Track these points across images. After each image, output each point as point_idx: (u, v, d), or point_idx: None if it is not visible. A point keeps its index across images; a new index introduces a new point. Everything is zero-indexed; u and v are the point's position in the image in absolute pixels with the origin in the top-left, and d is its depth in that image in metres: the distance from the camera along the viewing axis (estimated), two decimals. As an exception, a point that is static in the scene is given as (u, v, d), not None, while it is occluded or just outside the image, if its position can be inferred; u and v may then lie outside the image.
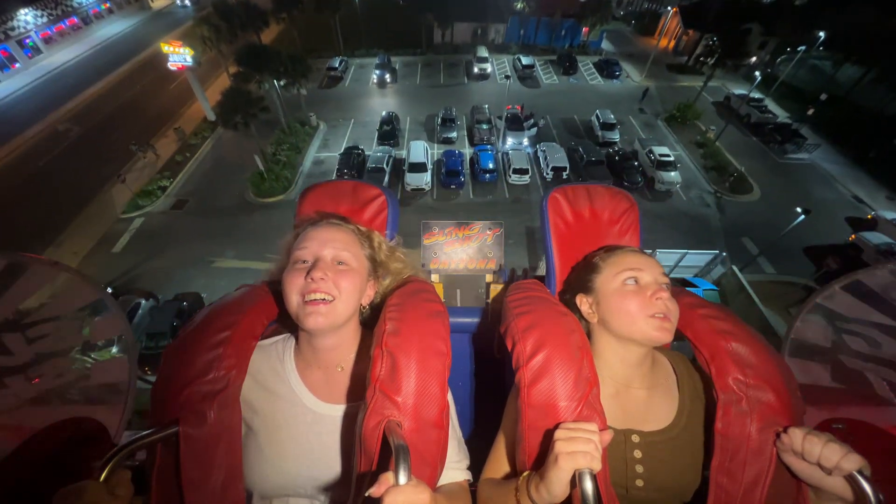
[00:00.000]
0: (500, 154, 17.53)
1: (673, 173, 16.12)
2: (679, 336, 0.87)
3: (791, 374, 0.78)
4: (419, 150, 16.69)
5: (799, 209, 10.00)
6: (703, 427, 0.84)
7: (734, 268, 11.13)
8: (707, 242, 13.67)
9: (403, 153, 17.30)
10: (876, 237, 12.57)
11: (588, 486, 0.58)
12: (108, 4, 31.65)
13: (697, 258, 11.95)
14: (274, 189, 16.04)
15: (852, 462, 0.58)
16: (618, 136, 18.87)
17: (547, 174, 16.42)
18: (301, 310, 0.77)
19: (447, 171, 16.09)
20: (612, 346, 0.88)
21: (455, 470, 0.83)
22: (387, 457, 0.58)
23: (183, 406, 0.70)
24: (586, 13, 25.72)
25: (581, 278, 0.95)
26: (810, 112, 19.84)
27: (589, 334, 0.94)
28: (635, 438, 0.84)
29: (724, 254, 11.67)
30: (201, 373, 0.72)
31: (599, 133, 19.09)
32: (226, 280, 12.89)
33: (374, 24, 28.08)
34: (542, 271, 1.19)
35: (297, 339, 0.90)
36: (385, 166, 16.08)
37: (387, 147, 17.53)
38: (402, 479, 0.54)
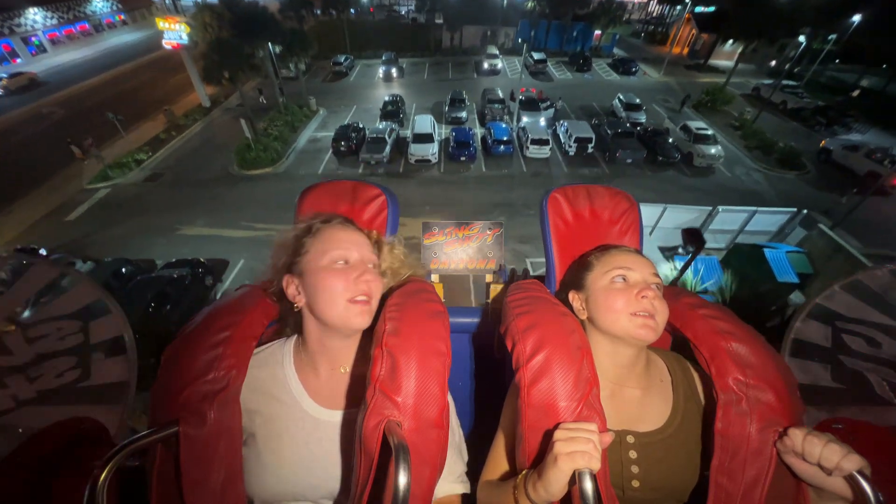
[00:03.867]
0: (515, 131, 15.79)
1: (714, 148, 14.18)
2: (679, 336, 0.86)
3: (791, 375, 0.78)
4: (425, 122, 15.02)
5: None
6: (699, 427, 0.84)
7: (822, 226, 8.75)
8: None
9: (407, 133, 15.60)
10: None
11: (588, 486, 0.58)
12: (122, 17, 32.24)
13: (769, 219, 9.65)
14: (260, 160, 14.23)
15: (852, 462, 0.58)
16: (644, 118, 17.20)
17: (570, 147, 14.52)
18: (348, 310, 0.77)
19: (456, 143, 14.28)
20: (603, 346, 0.87)
21: (453, 483, 0.83)
22: (387, 457, 0.59)
23: (183, 406, 0.69)
24: (598, 14, 25.19)
25: (575, 275, 0.95)
26: (856, 94, 18.13)
27: None
28: (630, 439, 0.83)
29: (805, 211, 9.35)
30: (201, 373, 0.71)
31: (623, 115, 17.39)
32: (189, 247, 10.71)
33: (382, 30, 27.85)
34: (542, 271, 1.16)
35: (303, 339, 0.86)
36: (387, 137, 14.35)
37: (390, 122, 15.90)
38: (403, 479, 0.54)
